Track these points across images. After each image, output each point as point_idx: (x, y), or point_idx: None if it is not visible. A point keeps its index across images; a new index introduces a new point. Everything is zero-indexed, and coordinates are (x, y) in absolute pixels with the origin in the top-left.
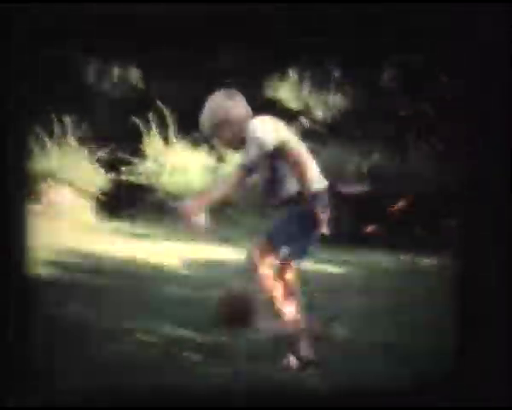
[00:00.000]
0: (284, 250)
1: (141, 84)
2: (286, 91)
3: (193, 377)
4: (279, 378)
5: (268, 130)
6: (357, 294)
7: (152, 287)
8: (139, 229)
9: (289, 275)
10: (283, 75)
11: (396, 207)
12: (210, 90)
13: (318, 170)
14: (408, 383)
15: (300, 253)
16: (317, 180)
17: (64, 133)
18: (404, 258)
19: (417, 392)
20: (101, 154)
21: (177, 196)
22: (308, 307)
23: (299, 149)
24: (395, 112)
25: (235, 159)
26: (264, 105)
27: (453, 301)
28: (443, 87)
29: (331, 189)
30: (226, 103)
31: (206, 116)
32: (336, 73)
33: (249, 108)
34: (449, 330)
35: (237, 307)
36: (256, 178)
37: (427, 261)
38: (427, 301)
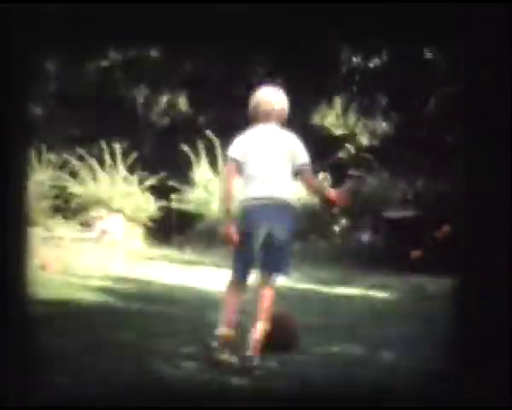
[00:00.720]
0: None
1: (190, 113)
2: (332, 118)
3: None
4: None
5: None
6: (400, 319)
7: (201, 313)
8: (188, 256)
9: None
10: (330, 102)
11: (441, 232)
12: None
13: (252, 187)
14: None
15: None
16: (239, 197)
17: (114, 161)
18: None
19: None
20: (151, 182)
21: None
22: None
23: (228, 163)
24: (440, 138)
25: None
26: (311, 131)
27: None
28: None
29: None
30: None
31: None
32: (383, 101)
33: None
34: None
35: (277, 331)
36: None
37: None
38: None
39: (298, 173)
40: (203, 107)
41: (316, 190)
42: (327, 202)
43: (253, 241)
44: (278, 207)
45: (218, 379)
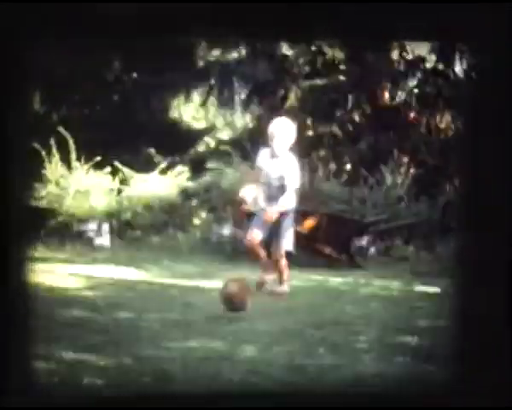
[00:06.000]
0: None
1: (42, 109)
2: (191, 112)
3: None
4: None
5: None
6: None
7: (51, 310)
8: (39, 253)
9: None
10: (188, 96)
11: (305, 226)
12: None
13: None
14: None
15: None
16: None
17: None
18: None
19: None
20: None
21: (81, 220)
22: None
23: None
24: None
25: (137, 181)
26: (169, 126)
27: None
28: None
29: None
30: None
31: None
32: (242, 94)
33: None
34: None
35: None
36: None
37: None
38: None
39: None
40: (55, 104)
41: None
42: None
43: None
44: None
45: None
